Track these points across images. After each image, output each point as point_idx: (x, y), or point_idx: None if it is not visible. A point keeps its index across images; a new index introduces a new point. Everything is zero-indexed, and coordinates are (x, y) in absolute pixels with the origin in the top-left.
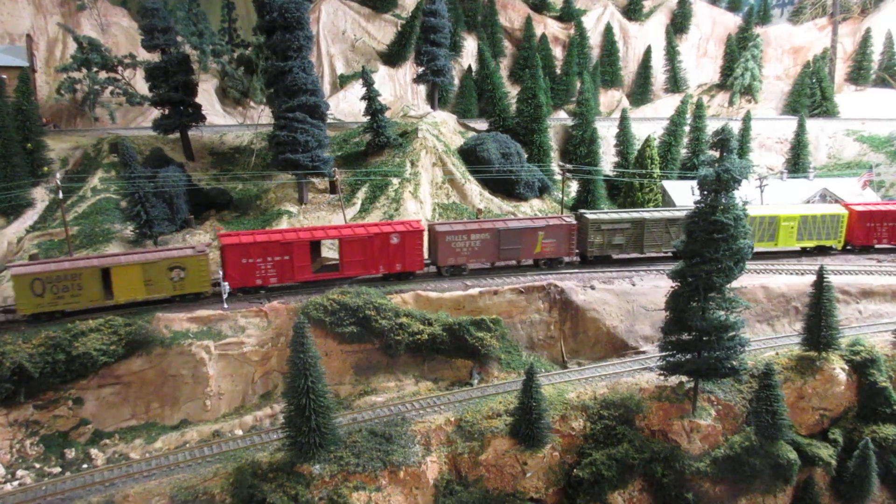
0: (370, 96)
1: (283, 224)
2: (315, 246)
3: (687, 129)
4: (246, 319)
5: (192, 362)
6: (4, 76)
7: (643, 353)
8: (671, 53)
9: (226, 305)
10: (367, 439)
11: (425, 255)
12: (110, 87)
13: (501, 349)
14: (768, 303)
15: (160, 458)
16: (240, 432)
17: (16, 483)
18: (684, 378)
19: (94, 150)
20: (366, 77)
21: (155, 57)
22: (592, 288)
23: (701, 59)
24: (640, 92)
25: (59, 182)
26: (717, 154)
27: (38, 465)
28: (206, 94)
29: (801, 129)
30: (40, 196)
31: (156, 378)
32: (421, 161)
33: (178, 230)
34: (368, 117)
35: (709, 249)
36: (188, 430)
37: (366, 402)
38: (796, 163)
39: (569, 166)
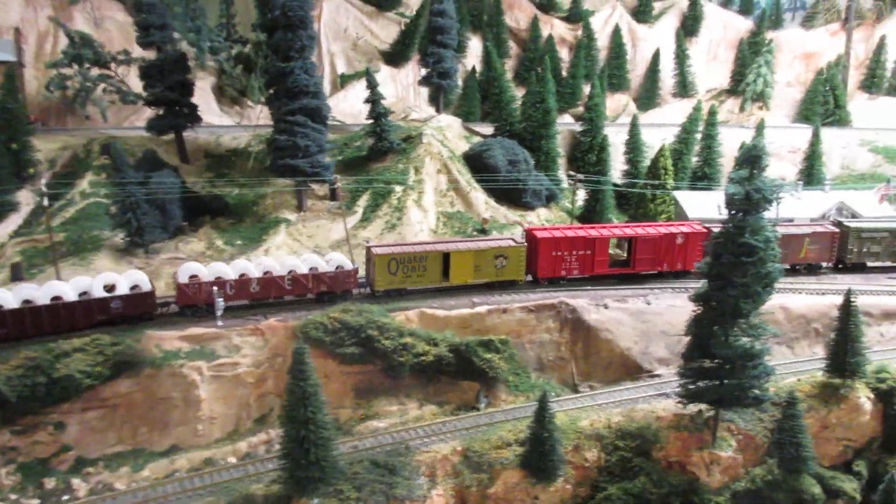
0: (374, 99)
1: (282, 233)
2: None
3: (698, 136)
4: (241, 338)
5: (183, 384)
6: None
7: (658, 376)
8: (681, 57)
9: (220, 323)
10: (369, 470)
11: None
12: (103, 85)
13: (510, 371)
14: (788, 324)
15: (147, 490)
16: (233, 460)
17: None
18: (704, 406)
19: (83, 151)
20: (370, 79)
21: (150, 54)
22: (605, 307)
23: (711, 64)
24: (648, 96)
25: (44, 188)
26: (745, 171)
27: (13, 497)
28: (203, 93)
29: (815, 139)
30: (25, 199)
31: (144, 401)
32: (425, 168)
33: (170, 238)
34: (371, 121)
35: (736, 273)
36: (178, 457)
37: (367, 427)
38: (810, 174)
39: (580, 176)
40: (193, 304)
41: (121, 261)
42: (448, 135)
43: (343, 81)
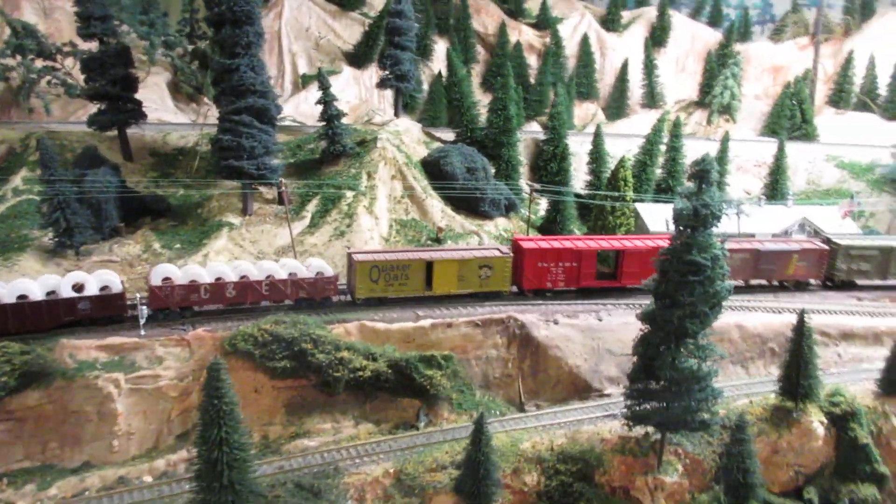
0: (326, 100)
1: (223, 237)
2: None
3: (663, 148)
4: (165, 349)
5: (98, 397)
6: None
7: (607, 395)
8: (649, 67)
9: (143, 332)
10: (292, 494)
11: None
12: (48, 77)
13: (453, 388)
14: (743, 343)
15: None
16: (149, 479)
17: None
18: (650, 429)
19: (21, 146)
20: (322, 80)
21: (94, 47)
22: (556, 323)
23: (679, 75)
24: (616, 106)
25: None
26: (693, 186)
27: None
28: (157, 88)
29: (780, 153)
30: None
31: (55, 414)
32: (378, 173)
33: (104, 239)
34: (324, 123)
35: (682, 292)
36: (89, 475)
37: (297, 446)
38: (775, 188)
39: (537, 186)
40: (166, 307)
41: (48, 262)
42: (405, 139)
43: (304, 82)
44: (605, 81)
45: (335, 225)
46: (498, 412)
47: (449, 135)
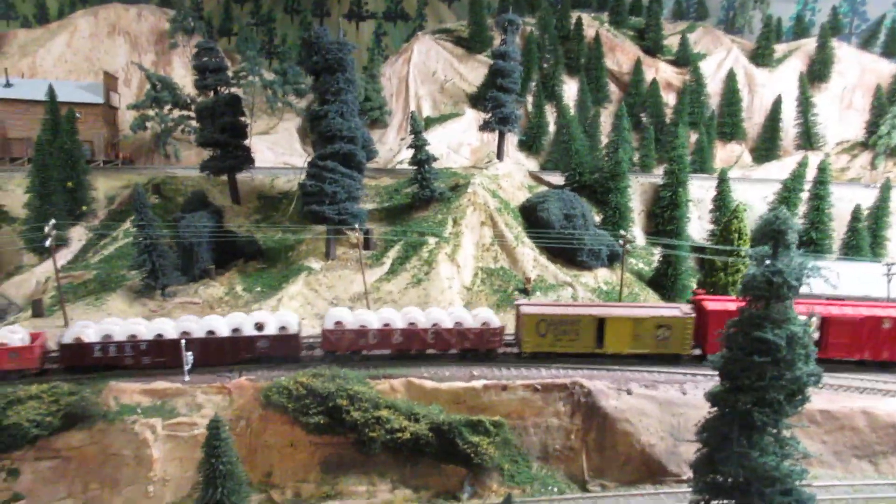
0: (417, 144)
1: (300, 282)
2: None
3: (806, 195)
4: (206, 396)
5: (135, 442)
6: (79, 113)
7: (686, 482)
8: (804, 104)
9: (187, 378)
10: None
11: None
12: (182, 126)
13: (506, 457)
14: (872, 434)
15: None
16: None
17: None
18: None
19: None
20: (413, 123)
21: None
22: (629, 393)
23: (845, 112)
24: (766, 147)
25: (52, 234)
26: (768, 248)
27: None
28: (287, 133)
29: None
30: (78, 235)
31: (97, 455)
32: (466, 219)
33: (193, 280)
34: (415, 167)
35: (749, 375)
36: None
37: None
38: None
39: (628, 236)
40: (336, 350)
41: (134, 303)
42: (504, 184)
43: (427, 125)
44: (753, 121)
45: (413, 272)
46: (555, 489)
47: (558, 179)
